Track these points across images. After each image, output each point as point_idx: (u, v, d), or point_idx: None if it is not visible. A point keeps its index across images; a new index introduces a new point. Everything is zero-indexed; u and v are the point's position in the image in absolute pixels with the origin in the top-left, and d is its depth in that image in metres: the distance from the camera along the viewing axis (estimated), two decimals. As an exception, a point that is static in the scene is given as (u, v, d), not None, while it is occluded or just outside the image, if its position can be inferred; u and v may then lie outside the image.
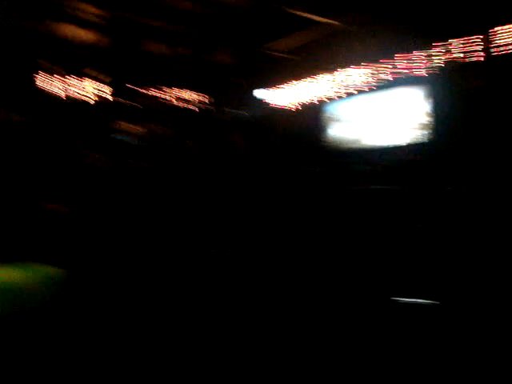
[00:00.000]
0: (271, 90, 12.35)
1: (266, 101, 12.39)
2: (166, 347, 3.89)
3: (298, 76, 11.71)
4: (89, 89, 11.23)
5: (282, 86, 12.17)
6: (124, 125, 12.04)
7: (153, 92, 12.32)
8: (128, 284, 5.45)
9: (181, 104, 12.82)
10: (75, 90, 11.04)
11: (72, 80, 10.98)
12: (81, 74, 11.11)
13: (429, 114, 9.32)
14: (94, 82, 11.33)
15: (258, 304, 4.85)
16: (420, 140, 9.48)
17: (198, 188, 9.71)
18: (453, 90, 8.79)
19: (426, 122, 9.38)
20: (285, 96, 12.19)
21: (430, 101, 9.32)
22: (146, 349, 3.87)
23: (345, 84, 10.67)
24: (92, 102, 11.35)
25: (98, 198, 8.28)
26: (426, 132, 9.40)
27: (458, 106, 8.59)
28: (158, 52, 11.56)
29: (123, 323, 4.39)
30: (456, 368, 3.18)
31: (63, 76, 10.79)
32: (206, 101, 13.47)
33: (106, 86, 11.52)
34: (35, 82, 10.36)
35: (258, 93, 12.38)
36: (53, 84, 10.60)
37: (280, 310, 4.66)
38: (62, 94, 10.77)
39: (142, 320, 4.47)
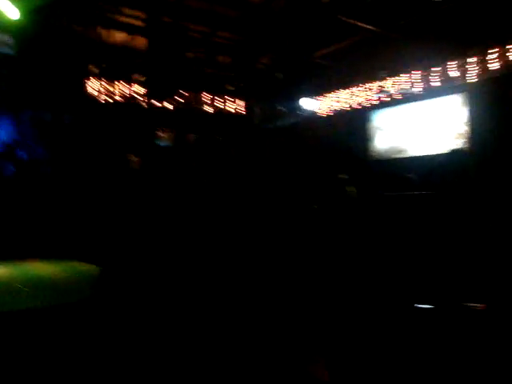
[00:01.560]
0: (317, 98, 12.41)
1: (311, 109, 12.44)
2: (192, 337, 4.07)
3: (343, 84, 11.75)
4: (135, 93, 11.61)
5: (327, 94, 12.23)
6: (167, 131, 12.34)
7: (196, 99, 12.53)
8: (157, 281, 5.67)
9: (224, 111, 12.98)
10: (123, 94, 11.44)
11: (120, 85, 11.38)
12: (128, 79, 11.50)
13: (472, 123, 9.23)
14: (140, 86, 11.70)
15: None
16: (462, 148, 9.37)
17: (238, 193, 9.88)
18: (499, 100, 8.64)
19: (469, 131, 9.30)
20: (329, 104, 12.23)
21: (475, 110, 9.20)
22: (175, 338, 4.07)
23: (389, 92, 10.64)
24: (138, 107, 11.71)
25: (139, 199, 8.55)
26: (467, 140, 9.34)
27: (503, 115, 8.44)
28: (201, 58, 11.91)
29: (151, 316, 4.61)
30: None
31: (111, 81, 11.21)
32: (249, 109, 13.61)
33: (151, 91, 11.86)
34: (84, 86, 10.82)
35: (305, 101, 12.41)
36: (100, 89, 11.03)
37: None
38: (109, 99, 11.19)
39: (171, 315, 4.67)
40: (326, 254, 6.45)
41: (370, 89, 11.10)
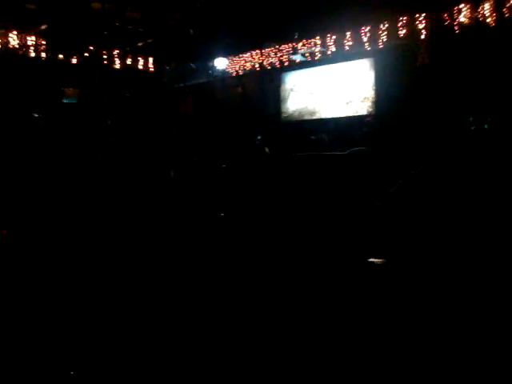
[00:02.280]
0: (230, 57, 12.25)
1: (224, 69, 12.27)
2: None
3: (256, 44, 11.66)
4: (36, 45, 10.78)
5: (240, 53, 12.10)
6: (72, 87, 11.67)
7: (103, 54, 11.92)
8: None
9: (133, 68, 12.50)
10: (22, 45, 10.59)
11: (17, 36, 10.51)
12: (27, 29, 10.62)
13: (378, 88, 9.71)
14: (40, 38, 10.86)
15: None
16: (364, 112, 9.92)
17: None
18: (398, 67, 9.08)
19: (376, 95, 9.79)
20: (242, 64, 12.14)
21: (377, 75, 9.67)
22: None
23: (302, 53, 10.74)
24: (40, 61, 10.93)
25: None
26: (369, 104, 9.89)
27: (402, 82, 8.89)
28: (109, 10, 11.23)
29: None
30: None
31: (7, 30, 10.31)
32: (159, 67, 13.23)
33: (53, 44, 11.07)
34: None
35: (218, 60, 12.18)
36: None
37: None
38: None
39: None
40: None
41: (282, 50, 11.15)
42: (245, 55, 12.03)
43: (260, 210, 6.81)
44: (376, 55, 9.59)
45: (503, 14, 7.93)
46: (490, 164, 5.58)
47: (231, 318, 3.41)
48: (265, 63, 11.61)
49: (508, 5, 7.85)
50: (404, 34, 8.93)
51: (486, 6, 8.06)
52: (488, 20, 8.04)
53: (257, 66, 11.79)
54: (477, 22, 8.15)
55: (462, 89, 7.97)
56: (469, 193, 5.13)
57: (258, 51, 11.67)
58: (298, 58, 10.74)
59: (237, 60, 12.26)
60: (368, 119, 9.60)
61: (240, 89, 12.44)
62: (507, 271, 3.84)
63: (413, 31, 8.77)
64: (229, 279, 4.23)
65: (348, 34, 9.72)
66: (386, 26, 9.13)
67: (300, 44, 10.74)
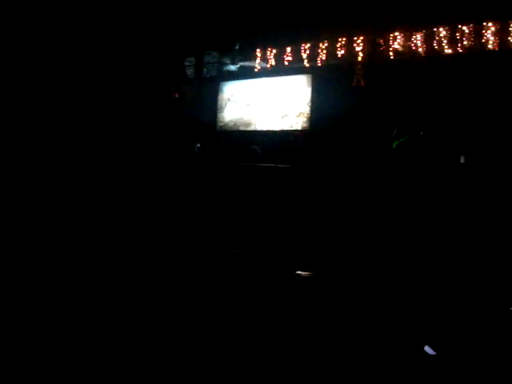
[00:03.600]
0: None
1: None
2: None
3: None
4: None
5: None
6: None
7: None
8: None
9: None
10: None
11: None
12: None
13: (309, 105, 9.94)
14: None
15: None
16: (298, 127, 10.13)
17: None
18: (335, 85, 9.36)
19: (306, 111, 10.02)
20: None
21: (313, 92, 9.91)
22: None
23: (241, 64, 10.81)
24: None
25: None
26: (304, 120, 10.09)
27: (337, 101, 9.16)
28: None
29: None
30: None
31: None
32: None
33: None
34: None
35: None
36: None
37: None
38: None
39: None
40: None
41: (222, 59, 11.17)
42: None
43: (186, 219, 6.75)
44: (314, 72, 9.82)
45: (433, 45, 8.43)
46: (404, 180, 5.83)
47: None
48: (204, 71, 11.58)
49: (437, 38, 8.36)
50: (342, 55, 9.23)
51: (418, 36, 8.53)
52: (420, 50, 8.52)
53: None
54: (410, 51, 8.60)
55: (393, 110, 8.33)
56: (391, 209, 5.32)
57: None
58: (236, 68, 10.80)
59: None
60: (301, 134, 9.83)
61: (176, 95, 12.30)
62: (428, 284, 4.01)
63: (351, 53, 9.09)
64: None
65: (288, 49, 9.89)
66: (326, 45, 9.39)
67: (240, 55, 10.82)
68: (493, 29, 7.88)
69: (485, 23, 7.92)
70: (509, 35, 7.82)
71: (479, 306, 3.89)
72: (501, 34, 7.83)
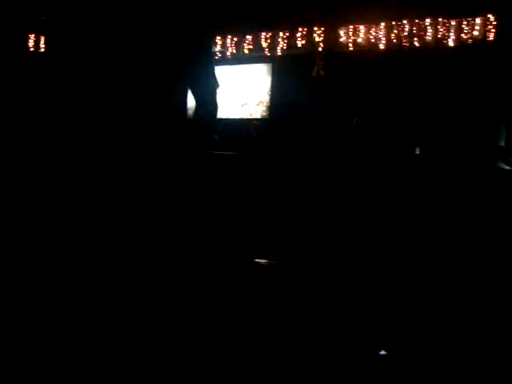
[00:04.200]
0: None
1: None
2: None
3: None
4: None
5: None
6: None
7: None
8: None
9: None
10: None
11: None
12: None
13: (269, 93, 9.96)
14: None
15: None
16: (258, 115, 10.17)
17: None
18: (295, 75, 9.39)
19: (266, 100, 10.04)
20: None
21: (273, 81, 9.92)
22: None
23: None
24: None
25: None
26: (263, 109, 10.12)
27: (297, 90, 9.19)
28: None
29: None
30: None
31: None
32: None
33: None
34: None
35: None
36: None
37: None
38: None
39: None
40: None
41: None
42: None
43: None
44: (274, 61, 9.82)
45: (392, 39, 8.58)
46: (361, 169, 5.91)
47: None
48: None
49: (396, 31, 8.52)
50: (302, 45, 9.26)
51: (379, 30, 8.66)
52: (379, 42, 8.67)
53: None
54: (369, 43, 8.73)
55: (353, 101, 8.44)
56: (347, 199, 5.39)
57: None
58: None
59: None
60: (258, 123, 9.84)
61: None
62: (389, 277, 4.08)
63: (311, 43, 9.13)
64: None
65: (249, 37, 9.83)
66: (287, 34, 9.39)
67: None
68: (448, 25, 8.16)
69: (440, 19, 8.17)
70: (462, 32, 8.09)
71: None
72: (457, 29, 8.08)
